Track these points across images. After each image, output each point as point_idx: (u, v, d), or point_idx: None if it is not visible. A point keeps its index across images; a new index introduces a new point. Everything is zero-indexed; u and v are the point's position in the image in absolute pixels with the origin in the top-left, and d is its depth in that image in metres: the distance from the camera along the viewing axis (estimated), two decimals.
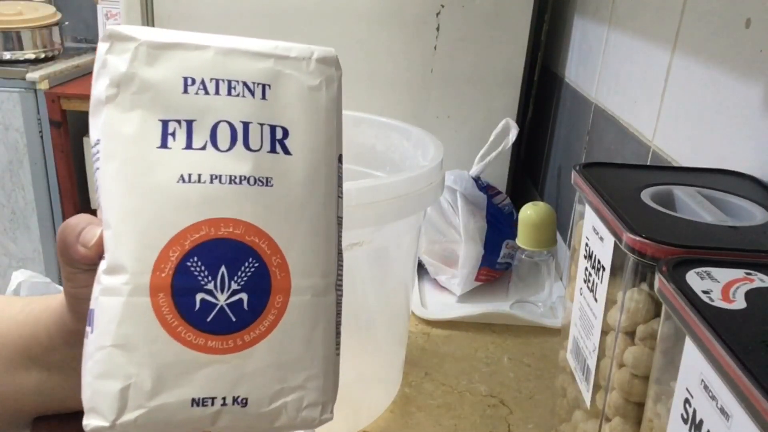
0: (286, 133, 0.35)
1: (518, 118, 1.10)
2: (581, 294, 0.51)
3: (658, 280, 0.35)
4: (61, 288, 1.86)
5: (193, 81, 0.33)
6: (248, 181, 0.33)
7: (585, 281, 0.50)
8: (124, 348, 0.31)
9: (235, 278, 0.32)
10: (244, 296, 0.32)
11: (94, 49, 2.12)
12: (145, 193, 0.32)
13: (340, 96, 0.37)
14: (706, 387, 0.30)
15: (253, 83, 0.34)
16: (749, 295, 0.33)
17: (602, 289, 0.46)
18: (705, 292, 0.33)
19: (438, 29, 1.06)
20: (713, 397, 0.30)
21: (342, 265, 0.36)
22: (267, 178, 0.34)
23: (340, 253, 0.36)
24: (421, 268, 0.94)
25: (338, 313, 0.36)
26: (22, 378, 0.42)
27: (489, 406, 0.70)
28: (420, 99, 1.10)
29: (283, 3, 1.03)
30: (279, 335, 0.33)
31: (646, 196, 0.47)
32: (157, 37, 0.33)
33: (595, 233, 0.48)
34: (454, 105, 1.10)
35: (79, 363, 0.34)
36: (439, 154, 0.62)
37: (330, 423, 0.34)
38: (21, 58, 1.87)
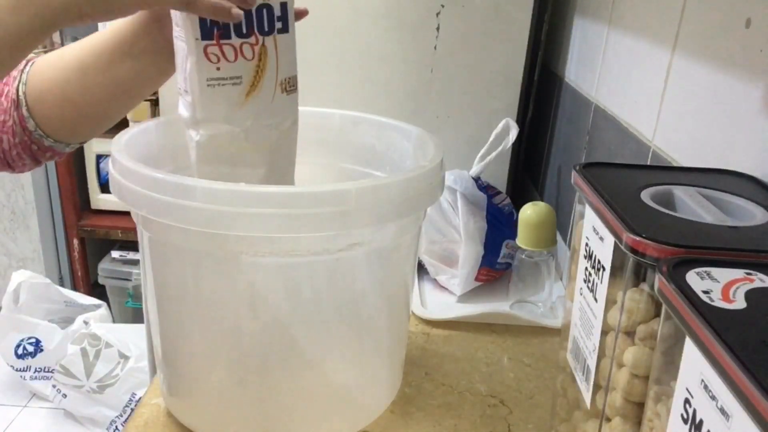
0: None
1: (518, 118, 1.10)
2: (581, 294, 0.51)
3: (658, 280, 0.35)
4: (59, 288, 1.87)
5: None
6: None
7: (585, 281, 0.50)
8: None
9: None
10: None
11: None
12: None
13: None
14: (706, 387, 0.30)
15: None
16: (749, 295, 0.33)
17: (602, 289, 0.46)
18: (705, 292, 0.33)
19: (438, 29, 1.06)
20: (713, 397, 0.30)
21: None
22: None
23: None
24: (421, 268, 0.94)
25: None
26: (120, 69, 0.61)
27: (489, 406, 0.70)
28: (420, 99, 1.10)
29: None
30: None
31: (646, 196, 0.47)
32: None
33: (595, 233, 0.48)
34: (454, 105, 1.10)
35: (159, 46, 0.60)
36: (439, 154, 0.62)
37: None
38: None
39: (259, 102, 0.60)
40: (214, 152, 0.61)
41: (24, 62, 0.64)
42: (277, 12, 0.59)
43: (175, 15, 0.57)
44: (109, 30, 0.61)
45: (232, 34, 0.57)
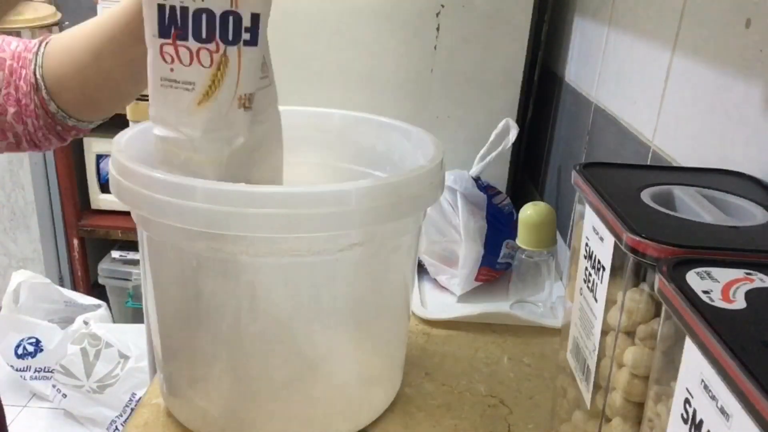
0: None
1: (518, 118, 1.10)
2: (581, 294, 0.51)
3: (658, 280, 0.35)
4: (59, 288, 1.88)
5: None
6: None
7: (585, 281, 0.50)
8: None
9: None
10: None
11: None
12: None
13: None
14: (706, 387, 0.30)
15: None
16: (749, 295, 0.33)
17: (602, 289, 0.46)
18: (705, 292, 0.33)
19: (438, 29, 1.06)
20: (713, 397, 0.30)
21: None
22: None
23: None
24: (421, 268, 0.94)
25: None
26: (133, 51, 0.59)
27: (489, 406, 0.70)
28: (420, 99, 1.10)
29: (282, 3, 1.03)
30: None
31: (646, 196, 0.47)
32: None
33: (595, 233, 0.48)
34: (454, 105, 1.10)
35: None
36: (439, 154, 0.62)
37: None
38: None
39: (210, 113, 0.56)
40: (166, 155, 0.58)
41: (38, 44, 0.65)
42: (246, 22, 0.54)
43: (144, 8, 0.54)
44: (117, 13, 0.60)
45: (190, 37, 0.53)
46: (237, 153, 0.59)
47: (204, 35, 0.53)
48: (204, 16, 0.52)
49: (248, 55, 0.55)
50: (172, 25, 0.53)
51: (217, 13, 0.52)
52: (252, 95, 0.57)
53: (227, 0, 0.52)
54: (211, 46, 0.53)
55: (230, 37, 0.53)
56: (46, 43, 0.65)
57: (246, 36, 0.54)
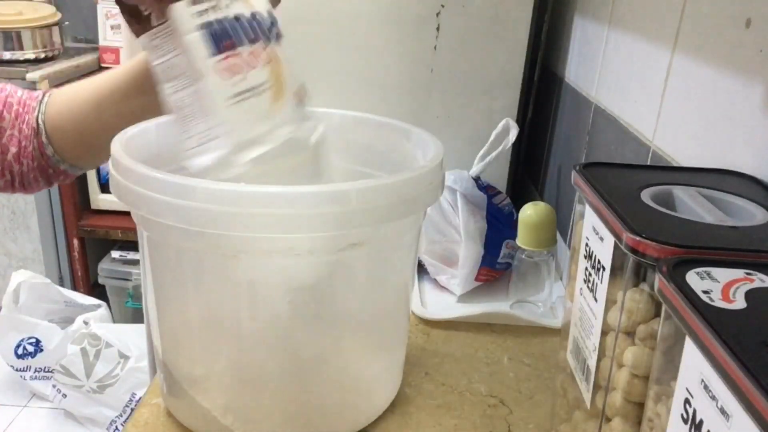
0: None
1: (518, 118, 1.10)
2: (581, 294, 0.51)
3: (658, 280, 0.35)
4: (59, 288, 1.89)
5: None
6: None
7: (585, 281, 0.50)
8: None
9: None
10: None
11: (94, 49, 2.11)
12: None
13: None
14: (706, 387, 0.30)
15: None
16: (749, 295, 0.33)
17: (602, 289, 0.46)
18: (705, 292, 0.33)
19: (438, 29, 1.06)
20: (713, 397, 0.30)
21: None
22: None
23: None
24: (421, 268, 0.94)
25: None
26: (133, 103, 0.66)
27: (489, 406, 0.70)
28: (420, 99, 1.10)
29: (282, 3, 1.03)
30: None
31: (646, 196, 0.47)
32: None
33: (595, 233, 0.48)
34: (454, 105, 1.10)
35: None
36: (439, 154, 0.62)
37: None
38: (21, 58, 1.87)
39: (287, 105, 0.57)
40: (263, 179, 0.55)
41: (41, 94, 0.71)
42: (267, 21, 0.57)
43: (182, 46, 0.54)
44: (121, 69, 0.67)
45: (244, 40, 0.54)
46: (318, 145, 0.60)
47: (252, 36, 0.55)
48: (243, 20, 0.55)
49: (283, 47, 0.58)
50: (222, 38, 0.53)
51: (247, 15, 0.55)
52: (303, 86, 0.59)
53: (245, 4, 0.55)
54: (261, 45, 0.55)
55: (268, 35, 0.57)
56: (50, 95, 0.71)
57: (275, 30, 0.57)
